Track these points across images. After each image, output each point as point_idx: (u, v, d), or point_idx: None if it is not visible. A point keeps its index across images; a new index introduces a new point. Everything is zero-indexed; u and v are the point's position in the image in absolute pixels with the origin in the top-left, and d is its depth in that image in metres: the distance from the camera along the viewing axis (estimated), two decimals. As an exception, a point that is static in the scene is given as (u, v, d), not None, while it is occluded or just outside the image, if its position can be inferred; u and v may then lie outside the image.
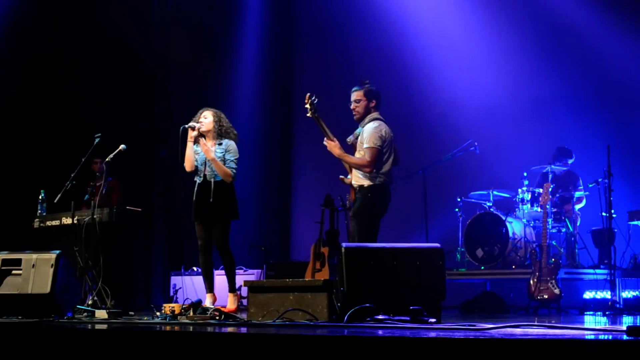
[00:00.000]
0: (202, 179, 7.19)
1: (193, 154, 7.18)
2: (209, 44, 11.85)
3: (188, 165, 7.21)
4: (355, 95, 6.67)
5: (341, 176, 6.76)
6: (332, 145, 6.57)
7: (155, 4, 11.26)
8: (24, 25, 9.96)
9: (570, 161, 9.53)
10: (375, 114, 6.64)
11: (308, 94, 6.51)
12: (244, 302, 7.53)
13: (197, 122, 7.19)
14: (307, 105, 6.48)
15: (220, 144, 7.17)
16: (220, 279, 9.18)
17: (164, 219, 11.04)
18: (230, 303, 7.17)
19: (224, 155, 7.14)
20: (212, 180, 7.13)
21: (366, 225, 6.52)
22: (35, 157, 9.81)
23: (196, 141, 7.16)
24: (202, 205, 7.14)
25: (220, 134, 7.20)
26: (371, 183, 6.51)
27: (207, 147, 7.09)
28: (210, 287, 7.23)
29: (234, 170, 7.14)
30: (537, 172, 9.61)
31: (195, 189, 7.21)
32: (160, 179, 11.06)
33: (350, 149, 6.71)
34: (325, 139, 6.59)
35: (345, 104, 6.74)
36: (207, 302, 7.07)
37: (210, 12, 11.72)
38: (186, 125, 7.14)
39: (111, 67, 10.51)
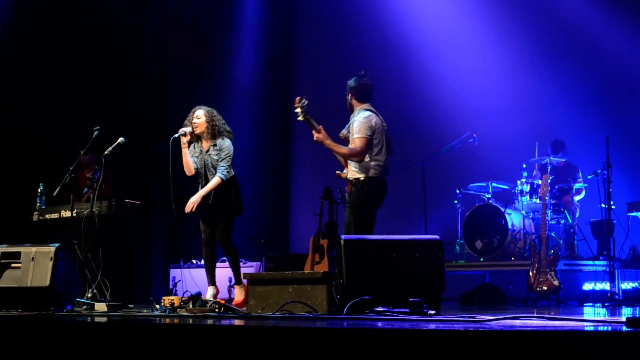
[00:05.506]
0: (203, 181, 7.26)
1: (190, 160, 7.24)
2: (208, 37, 11.80)
3: (188, 171, 7.29)
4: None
5: (337, 171, 6.73)
6: (321, 137, 6.48)
7: (153, -1, 11.25)
8: (22, 18, 9.93)
9: (562, 153, 9.51)
10: (365, 106, 6.60)
11: (298, 98, 6.38)
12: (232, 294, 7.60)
13: (190, 123, 7.23)
14: (298, 110, 6.36)
15: (214, 145, 7.21)
16: (219, 272, 9.21)
17: (163, 212, 11.02)
18: (237, 295, 7.23)
19: (218, 157, 7.17)
20: None
21: (362, 216, 6.51)
22: (34, 150, 9.78)
23: (190, 144, 7.23)
24: (205, 206, 7.20)
25: (214, 134, 7.22)
26: (367, 175, 6.49)
27: (195, 199, 7.14)
28: (212, 279, 7.28)
29: (224, 173, 7.14)
30: (536, 163, 9.60)
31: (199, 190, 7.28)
32: (159, 172, 11.03)
33: (345, 143, 6.68)
34: (313, 132, 6.50)
35: (343, 99, 6.73)
36: (209, 295, 7.14)
37: (209, 6, 11.69)
38: (176, 135, 7.19)
39: (110, 60, 10.48)
